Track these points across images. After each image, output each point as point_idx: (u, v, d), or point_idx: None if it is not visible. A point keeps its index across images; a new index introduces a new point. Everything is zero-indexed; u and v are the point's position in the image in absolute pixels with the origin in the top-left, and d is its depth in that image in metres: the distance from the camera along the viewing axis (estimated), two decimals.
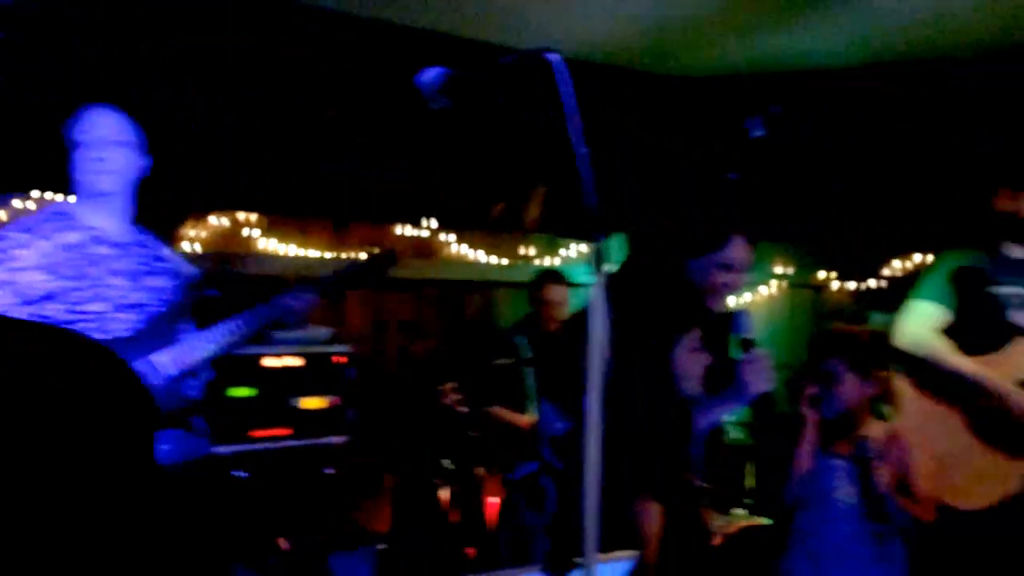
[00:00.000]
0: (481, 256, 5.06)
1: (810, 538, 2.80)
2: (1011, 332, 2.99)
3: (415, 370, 4.60)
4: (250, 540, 3.55)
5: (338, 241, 4.75)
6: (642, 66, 4.67)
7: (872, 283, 5.45)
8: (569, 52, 1.53)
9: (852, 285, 5.47)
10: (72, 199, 2.53)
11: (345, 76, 4.35)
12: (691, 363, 2.18)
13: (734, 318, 2.29)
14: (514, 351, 4.32)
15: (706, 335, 2.30)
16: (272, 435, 3.64)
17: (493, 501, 4.02)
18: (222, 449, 3.49)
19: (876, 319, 5.32)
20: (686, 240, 2.26)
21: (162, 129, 2.75)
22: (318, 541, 3.69)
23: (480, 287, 5.11)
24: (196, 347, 2.46)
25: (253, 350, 3.66)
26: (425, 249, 5.01)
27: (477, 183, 5.05)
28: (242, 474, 3.48)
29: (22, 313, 2.28)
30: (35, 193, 3.91)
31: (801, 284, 5.47)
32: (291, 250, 4.57)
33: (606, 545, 1.40)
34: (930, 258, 5.38)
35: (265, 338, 3.46)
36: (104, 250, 2.47)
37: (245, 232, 4.49)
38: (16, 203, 3.91)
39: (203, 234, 4.38)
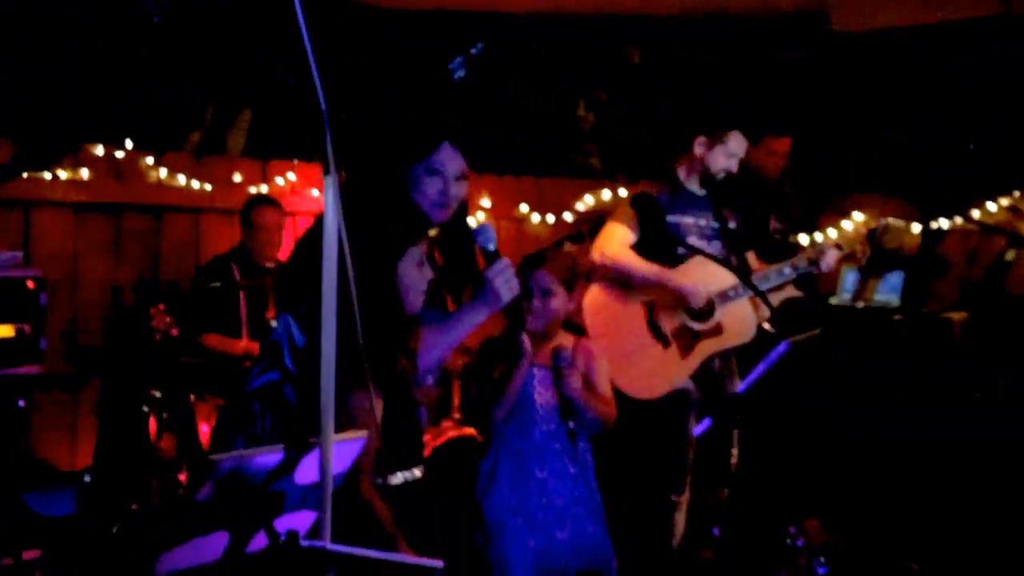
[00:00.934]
0: (181, 179, 4.85)
1: (514, 440, 3.07)
2: (685, 253, 3.50)
3: (117, 296, 4.36)
4: None
5: None
6: None
7: (567, 216, 5.89)
8: None
9: (551, 219, 5.88)
10: None
11: None
12: (415, 277, 2.23)
13: (475, 232, 2.41)
14: (227, 275, 4.23)
15: (443, 248, 2.40)
16: None
17: (205, 428, 3.95)
18: None
19: (568, 246, 5.79)
20: (397, 148, 2.32)
21: None
22: (11, 478, 3.44)
23: (184, 212, 4.91)
24: None
25: None
26: (123, 171, 4.72)
27: (179, 102, 4.82)
28: None
29: None
30: None
31: (504, 216, 5.80)
32: None
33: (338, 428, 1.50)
34: (622, 192, 5.92)
35: None
36: None
37: None
38: None
39: None
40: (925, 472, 3.37)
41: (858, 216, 5.52)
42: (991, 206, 5.44)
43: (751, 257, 3.81)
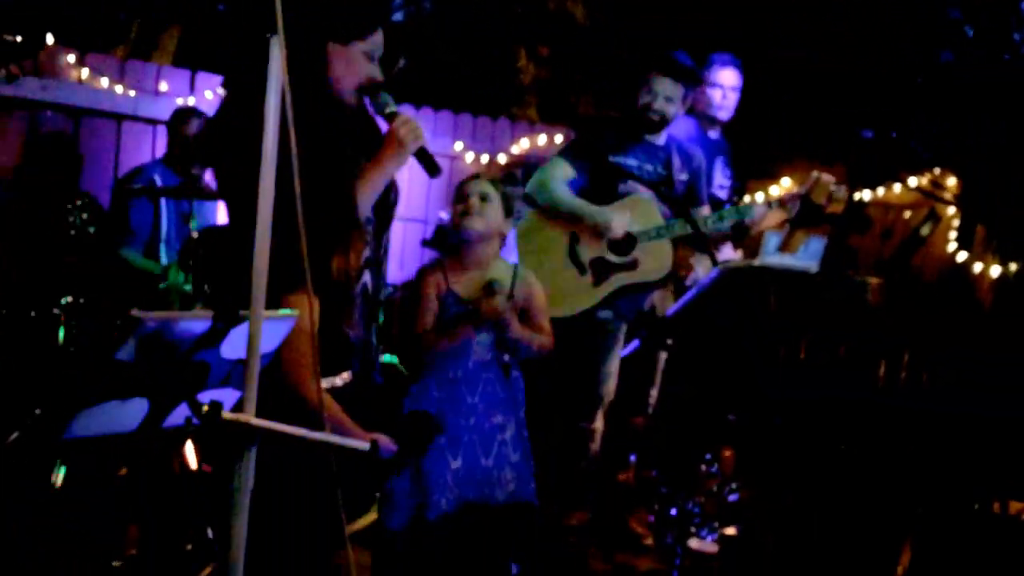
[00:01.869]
0: (104, 83, 4.64)
1: (448, 369, 3.05)
2: (623, 192, 3.71)
3: (32, 196, 4.18)
4: None
5: None
6: None
7: (502, 158, 5.86)
8: None
9: (485, 158, 5.84)
10: None
11: None
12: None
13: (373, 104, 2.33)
14: (151, 185, 4.09)
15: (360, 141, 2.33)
16: None
17: None
18: None
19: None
20: (340, 21, 2.22)
21: None
22: None
23: (105, 117, 4.71)
24: None
25: None
26: (42, 67, 4.49)
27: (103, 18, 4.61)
28: None
29: None
30: None
31: (438, 153, 5.73)
32: None
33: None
34: (559, 138, 5.90)
35: None
36: None
37: None
38: None
39: None
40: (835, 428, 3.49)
41: (786, 181, 5.62)
42: (912, 181, 5.61)
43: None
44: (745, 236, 3.95)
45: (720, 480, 2.80)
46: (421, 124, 2.24)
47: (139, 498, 2.91)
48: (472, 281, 2.99)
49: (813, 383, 3.88)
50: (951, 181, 5.68)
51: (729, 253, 4.25)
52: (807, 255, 4.87)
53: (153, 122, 4.81)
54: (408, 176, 5.46)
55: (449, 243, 3.18)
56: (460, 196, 2.98)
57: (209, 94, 5.02)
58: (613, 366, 3.68)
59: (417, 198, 5.77)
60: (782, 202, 3.79)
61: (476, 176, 3.06)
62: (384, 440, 1.88)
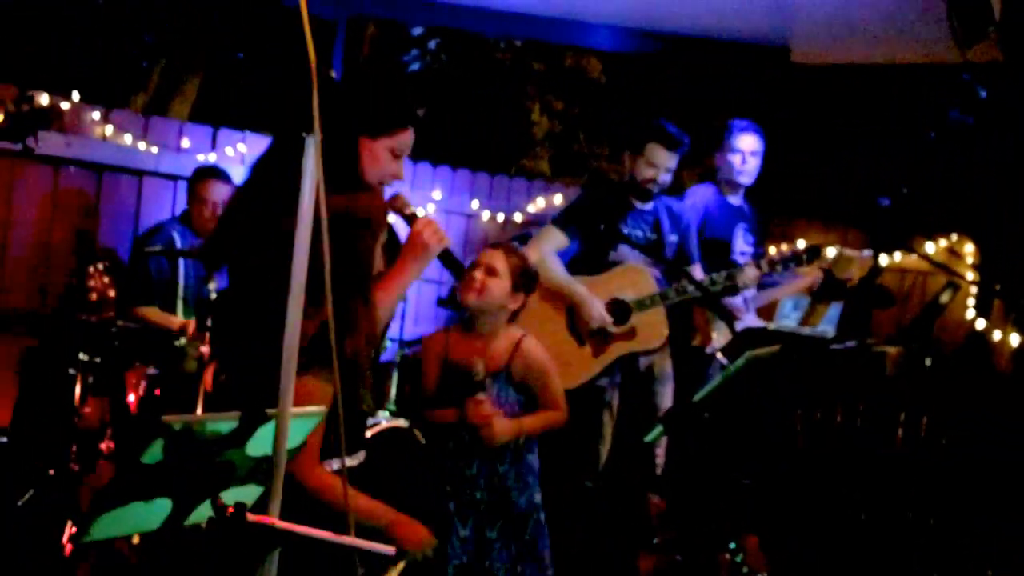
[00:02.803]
0: (128, 139, 4.69)
1: (448, 437, 3.03)
2: (615, 262, 3.81)
3: (51, 253, 4.20)
4: None
5: None
6: None
7: (518, 216, 5.87)
8: None
9: (501, 217, 5.85)
10: None
11: None
12: (378, 263, 2.12)
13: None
14: (171, 243, 4.11)
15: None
16: None
17: (132, 396, 3.82)
18: None
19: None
20: (371, 118, 2.24)
21: None
22: None
23: (127, 173, 4.74)
24: None
25: None
26: (65, 124, 4.54)
27: (128, 58, 4.67)
28: None
29: None
30: None
31: (456, 211, 5.75)
32: None
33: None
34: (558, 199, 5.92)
35: None
36: None
37: None
38: None
39: None
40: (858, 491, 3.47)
41: (801, 243, 5.61)
42: (929, 246, 5.59)
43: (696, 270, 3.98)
44: (735, 293, 4.01)
45: (747, 571, 2.75)
46: (437, 225, 2.24)
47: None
48: (472, 351, 2.98)
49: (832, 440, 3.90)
50: (968, 247, 5.66)
51: (751, 319, 4.26)
52: (824, 319, 4.88)
53: (174, 178, 4.84)
54: None
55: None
56: (471, 264, 2.99)
57: (230, 151, 5.06)
58: (609, 428, 3.79)
59: None
60: (772, 264, 3.87)
61: (495, 246, 3.06)
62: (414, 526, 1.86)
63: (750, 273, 3.83)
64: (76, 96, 4.52)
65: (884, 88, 6.12)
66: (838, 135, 6.32)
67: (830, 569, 2.93)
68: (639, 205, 3.90)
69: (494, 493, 2.99)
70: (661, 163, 3.78)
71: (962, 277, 5.47)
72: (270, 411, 1.33)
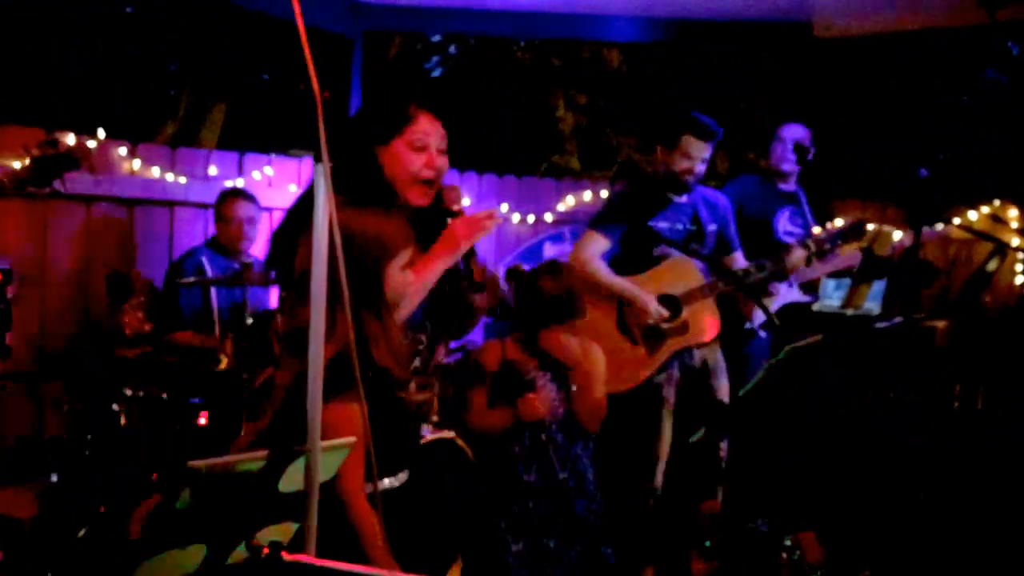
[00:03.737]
0: (156, 172, 4.73)
1: (503, 443, 3.01)
2: (659, 258, 3.77)
3: (88, 291, 4.24)
4: None
5: None
6: None
7: (548, 217, 5.82)
8: None
9: (531, 218, 5.82)
10: None
11: None
12: (400, 281, 2.09)
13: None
14: (200, 270, 4.13)
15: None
16: None
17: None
18: None
19: (549, 248, 5.75)
20: (372, 124, 2.25)
21: None
22: None
23: (158, 205, 4.79)
24: None
25: None
26: (94, 162, 4.59)
27: (152, 94, 4.71)
28: None
29: None
30: None
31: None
32: None
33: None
34: (604, 194, 5.87)
35: None
36: None
37: None
38: None
39: None
40: (913, 481, 3.36)
41: (839, 222, 5.50)
42: (972, 215, 5.45)
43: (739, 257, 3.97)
44: (781, 280, 3.94)
45: (805, 570, 2.68)
46: (484, 221, 2.25)
47: None
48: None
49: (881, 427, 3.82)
50: (1012, 212, 5.50)
51: (795, 295, 4.20)
52: (869, 297, 4.78)
53: (204, 206, 4.87)
54: None
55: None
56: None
57: (257, 175, 5.08)
58: (668, 427, 3.72)
59: None
60: (818, 243, 3.81)
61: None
62: None
63: (797, 254, 3.77)
64: (102, 133, 4.56)
65: (911, 56, 5.97)
66: (867, 109, 6.19)
67: (890, 560, 2.85)
68: (676, 198, 3.86)
69: (552, 499, 2.96)
70: (697, 154, 3.75)
71: (1007, 243, 5.32)
72: (298, 447, 1.31)
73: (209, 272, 4.10)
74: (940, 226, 5.41)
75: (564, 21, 5.42)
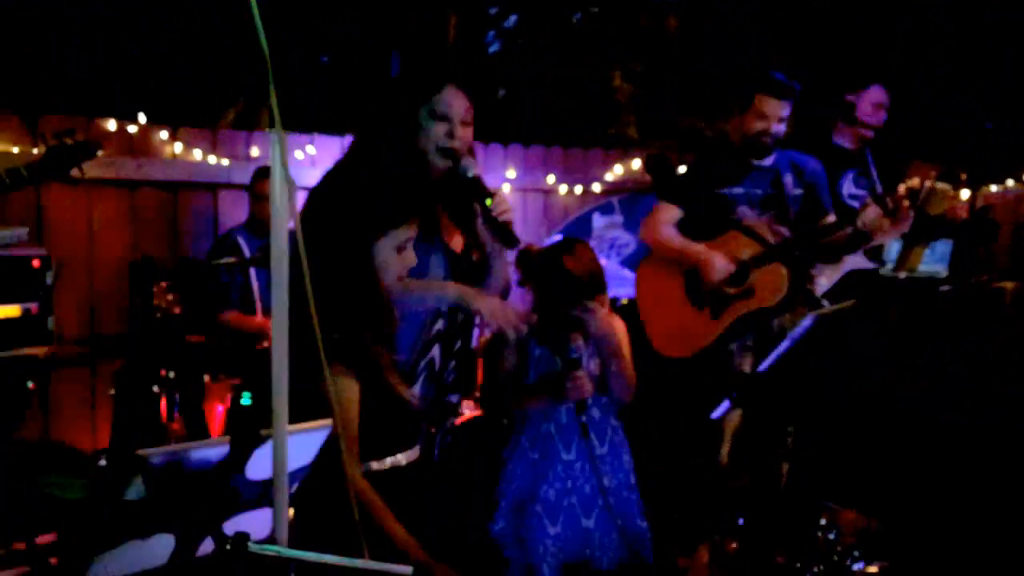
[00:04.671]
0: (197, 154, 4.74)
1: (540, 422, 2.92)
2: (730, 224, 3.61)
3: (129, 274, 4.28)
4: None
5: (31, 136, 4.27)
6: None
7: (596, 187, 5.69)
8: None
9: (579, 189, 5.69)
10: None
11: None
12: (391, 261, 1.97)
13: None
14: (237, 251, 4.12)
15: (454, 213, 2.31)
16: None
17: (221, 408, 3.86)
18: None
19: (598, 219, 5.61)
20: (400, 91, 2.22)
21: None
22: (24, 461, 3.37)
23: (200, 188, 4.80)
24: None
25: None
26: (136, 146, 4.62)
27: (194, 76, 4.71)
28: None
29: None
30: None
31: (532, 188, 5.62)
32: None
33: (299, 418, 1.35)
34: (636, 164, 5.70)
35: None
36: None
37: None
38: None
39: None
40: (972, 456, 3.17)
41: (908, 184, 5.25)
42: None
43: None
44: (865, 243, 3.74)
45: (841, 548, 2.54)
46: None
47: None
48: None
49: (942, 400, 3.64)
50: None
51: (860, 260, 4.01)
52: (933, 258, 4.55)
53: (247, 188, 4.88)
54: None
55: None
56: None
57: (300, 154, 5.06)
58: (712, 416, 3.59)
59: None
60: (895, 200, 3.60)
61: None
62: (444, 571, 1.75)
63: (871, 213, 3.58)
64: (143, 118, 4.59)
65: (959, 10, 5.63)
66: (920, 66, 5.87)
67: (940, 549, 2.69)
68: (756, 162, 3.73)
69: (591, 477, 2.87)
70: (773, 113, 3.62)
71: None
72: (265, 432, 1.25)
73: (246, 252, 4.09)
74: (1011, 183, 5.13)
75: None
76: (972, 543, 2.74)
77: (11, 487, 3.34)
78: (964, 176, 4.45)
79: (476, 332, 4.25)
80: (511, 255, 2.61)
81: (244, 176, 4.84)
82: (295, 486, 1.39)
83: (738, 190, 3.70)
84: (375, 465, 1.89)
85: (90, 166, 4.41)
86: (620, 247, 5.67)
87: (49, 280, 3.53)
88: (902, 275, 3.60)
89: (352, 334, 1.81)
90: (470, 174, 2.33)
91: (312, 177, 4.90)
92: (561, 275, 2.81)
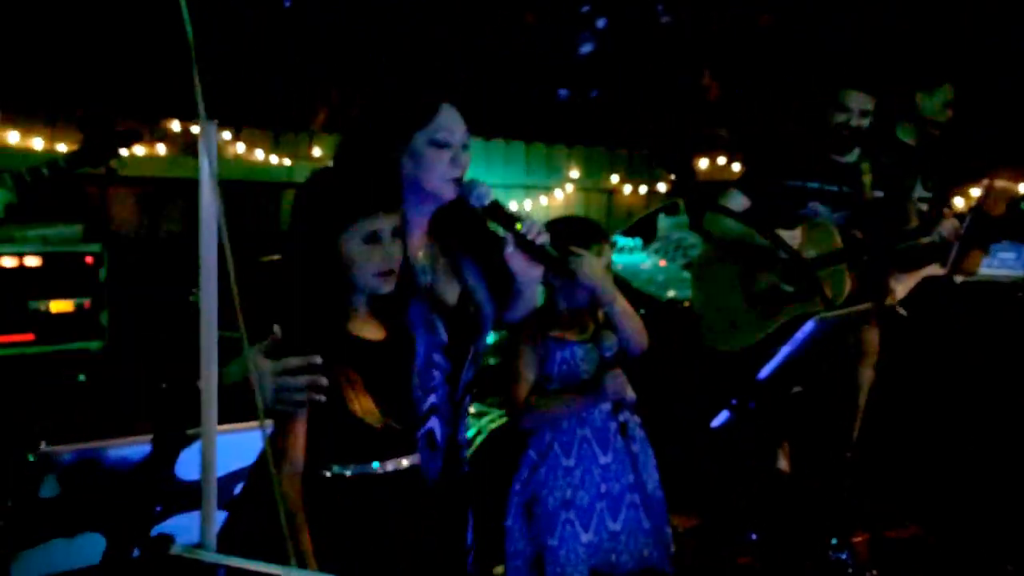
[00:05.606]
0: (260, 155, 4.82)
1: (575, 427, 2.83)
2: (800, 218, 3.55)
3: (185, 272, 4.36)
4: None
5: None
6: None
7: (661, 186, 5.57)
8: None
9: (643, 189, 5.57)
10: None
11: None
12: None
13: (467, 194, 2.11)
14: None
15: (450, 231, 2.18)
16: (7, 341, 3.36)
17: None
18: None
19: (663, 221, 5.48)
20: (387, 117, 2.10)
21: None
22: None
23: (261, 188, 4.88)
24: None
25: None
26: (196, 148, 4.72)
27: (255, 78, 4.79)
28: None
29: None
30: None
31: (594, 188, 5.53)
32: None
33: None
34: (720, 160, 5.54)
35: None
36: None
37: None
38: None
39: None
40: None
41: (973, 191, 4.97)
42: None
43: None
44: (948, 254, 3.55)
45: (855, 572, 2.37)
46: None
47: None
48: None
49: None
50: None
51: (933, 271, 3.83)
52: (1004, 263, 4.32)
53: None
54: None
55: None
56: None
57: None
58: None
59: None
60: (973, 212, 3.40)
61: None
62: None
63: (948, 225, 3.43)
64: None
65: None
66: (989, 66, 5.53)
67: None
68: (838, 158, 3.61)
69: (622, 476, 2.77)
70: (855, 106, 3.51)
71: None
72: (192, 431, 1.21)
73: None
74: None
75: None
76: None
77: None
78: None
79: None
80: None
81: (305, 175, 4.90)
82: (240, 486, 1.35)
83: (812, 184, 3.58)
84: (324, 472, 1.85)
85: (153, 166, 4.56)
86: (686, 249, 5.52)
87: (102, 276, 3.63)
88: (958, 279, 3.41)
89: (322, 331, 1.79)
90: (486, 202, 2.09)
91: None
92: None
